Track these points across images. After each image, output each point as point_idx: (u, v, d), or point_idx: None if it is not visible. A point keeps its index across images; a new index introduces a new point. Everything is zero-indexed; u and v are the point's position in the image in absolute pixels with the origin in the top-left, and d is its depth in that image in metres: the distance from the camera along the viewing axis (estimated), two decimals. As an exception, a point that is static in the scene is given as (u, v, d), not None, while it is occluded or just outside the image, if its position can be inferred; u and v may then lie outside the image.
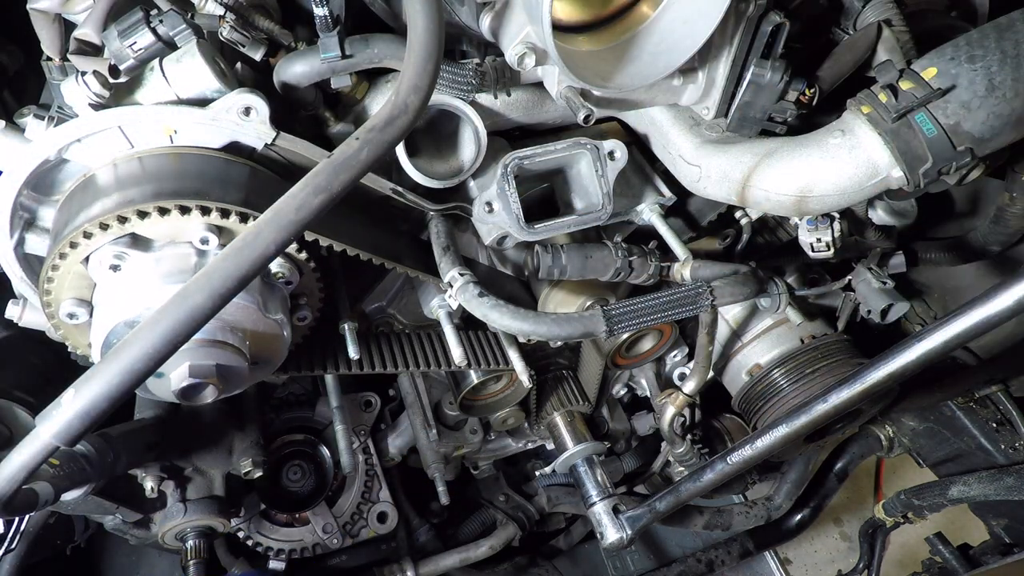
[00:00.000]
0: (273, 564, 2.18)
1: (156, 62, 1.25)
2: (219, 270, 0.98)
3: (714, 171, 1.51)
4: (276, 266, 1.36)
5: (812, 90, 1.43)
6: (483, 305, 1.36)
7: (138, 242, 1.23)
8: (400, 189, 1.47)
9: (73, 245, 1.18)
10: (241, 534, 2.15)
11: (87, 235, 1.17)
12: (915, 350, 1.38)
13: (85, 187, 1.26)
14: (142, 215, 1.18)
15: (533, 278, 1.80)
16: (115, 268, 1.21)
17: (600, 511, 1.95)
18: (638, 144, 1.76)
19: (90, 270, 1.23)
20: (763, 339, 1.99)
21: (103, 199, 1.21)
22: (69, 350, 1.41)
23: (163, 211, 1.19)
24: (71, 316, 1.27)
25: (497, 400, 2.19)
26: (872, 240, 1.84)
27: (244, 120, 1.27)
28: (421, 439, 2.20)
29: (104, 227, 1.17)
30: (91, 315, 1.28)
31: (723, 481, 1.77)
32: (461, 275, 1.41)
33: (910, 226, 1.98)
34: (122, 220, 1.18)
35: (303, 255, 1.38)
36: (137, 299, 1.19)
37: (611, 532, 1.91)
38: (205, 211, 1.21)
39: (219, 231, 1.23)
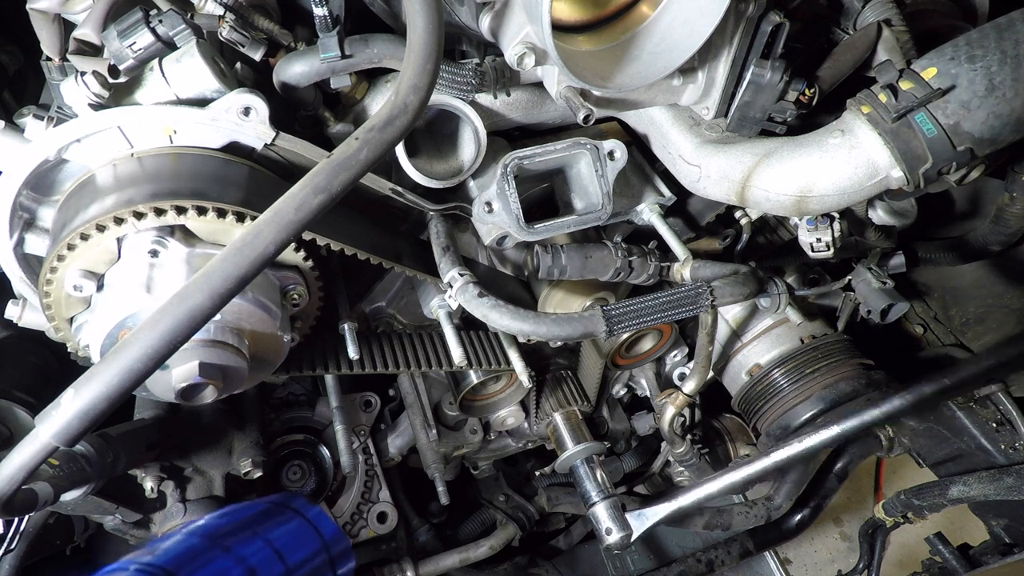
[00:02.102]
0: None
1: (156, 62, 1.25)
2: (219, 270, 0.98)
3: (714, 171, 1.51)
4: (291, 289, 1.40)
5: (812, 90, 1.43)
6: (483, 305, 1.36)
7: (183, 235, 1.25)
8: (400, 189, 1.47)
9: (119, 221, 1.18)
10: (241, 534, 2.15)
11: (138, 215, 1.18)
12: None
13: (122, 175, 1.27)
14: (201, 211, 1.20)
15: (533, 278, 1.80)
16: (154, 253, 1.22)
17: (600, 511, 1.95)
18: (638, 144, 1.76)
19: (124, 248, 1.23)
20: (763, 339, 1.99)
21: (147, 184, 1.23)
22: (69, 350, 1.41)
23: (221, 212, 1.22)
24: (76, 287, 1.25)
25: (497, 400, 2.19)
26: (872, 240, 1.84)
27: (244, 120, 1.27)
28: (421, 439, 2.20)
29: (159, 212, 1.19)
30: (98, 289, 1.27)
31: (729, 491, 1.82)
32: (461, 275, 1.41)
33: (910, 226, 1.98)
34: (180, 210, 1.19)
35: (320, 283, 1.43)
36: (170, 287, 1.20)
37: (612, 532, 1.91)
38: (240, 217, 1.24)
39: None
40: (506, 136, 1.67)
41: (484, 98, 1.51)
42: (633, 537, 1.90)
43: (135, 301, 1.20)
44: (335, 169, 1.05)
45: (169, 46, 1.23)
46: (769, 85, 1.42)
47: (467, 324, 1.90)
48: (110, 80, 1.21)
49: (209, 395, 1.26)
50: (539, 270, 1.53)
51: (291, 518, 1.12)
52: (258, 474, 1.84)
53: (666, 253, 1.64)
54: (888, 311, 1.76)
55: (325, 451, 2.24)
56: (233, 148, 1.32)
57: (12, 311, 1.44)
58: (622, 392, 2.46)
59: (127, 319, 1.20)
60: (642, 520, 1.91)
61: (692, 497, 1.91)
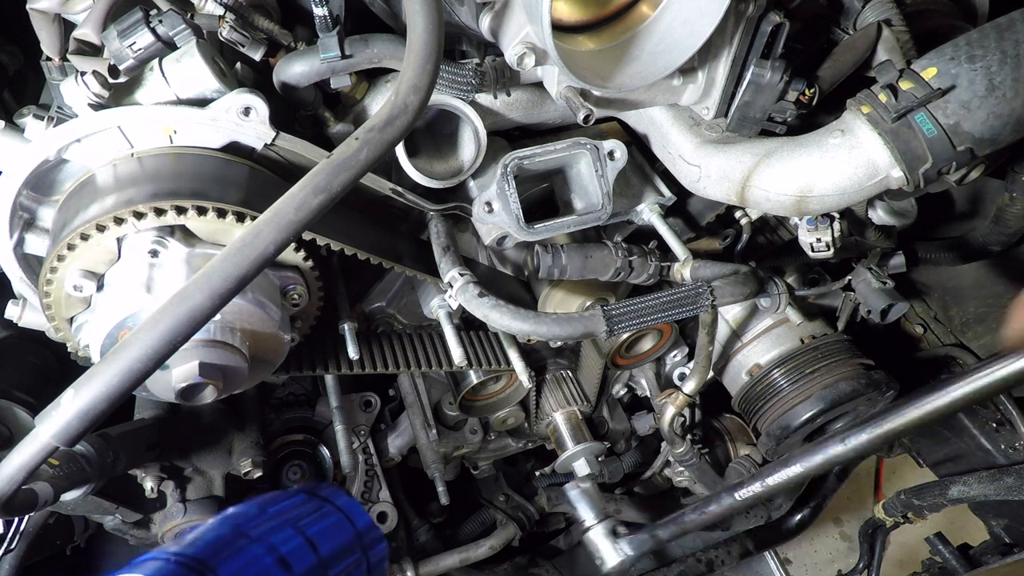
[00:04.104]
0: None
1: (156, 62, 1.25)
2: (219, 270, 0.98)
3: (714, 171, 1.51)
4: (291, 289, 1.40)
5: (812, 90, 1.43)
6: (483, 305, 1.36)
7: (183, 235, 1.25)
8: (400, 189, 1.47)
9: (119, 221, 1.18)
10: (241, 534, 2.15)
11: (138, 215, 1.18)
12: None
13: (122, 175, 1.27)
14: (201, 211, 1.20)
15: (533, 278, 1.80)
16: (154, 254, 1.22)
17: (596, 536, 1.85)
18: (638, 144, 1.76)
19: (124, 248, 1.23)
20: (763, 339, 1.99)
21: (147, 184, 1.23)
22: (69, 350, 1.41)
23: (221, 212, 1.21)
24: (76, 287, 1.25)
25: (497, 400, 2.19)
26: (872, 240, 1.84)
27: (244, 120, 1.27)
28: (421, 439, 2.20)
29: (160, 212, 1.19)
30: (99, 289, 1.27)
31: (728, 515, 1.76)
32: (461, 275, 1.41)
33: (910, 226, 1.98)
34: (180, 210, 1.19)
35: (320, 283, 1.43)
36: (170, 287, 1.19)
37: (611, 557, 1.84)
38: (240, 217, 1.25)
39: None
40: (506, 136, 1.67)
41: (484, 98, 1.51)
42: (631, 557, 1.84)
43: (135, 301, 1.20)
44: (335, 169, 1.05)
45: (169, 46, 1.23)
46: (769, 85, 1.42)
47: (467, 324, 1.90)
48: (110, 80, 1.21)
49: (209, 395, 1.26)
50: (539, 270, 1.53)
51: (323, 508, 1.11)
52: (258, 474, 1.84)
53: (666, 253, 1.64)
54: (888, 311, 1.76)
55: (325, 451, 2.24)
56: (233, 148, 1.32)
57: (12, 311, 1.44)
58: (622, 392, 2.46)
59: (127, 319, 1.20)
60: (638, 544, 1.86)
61: (691, 521, 1.90)
